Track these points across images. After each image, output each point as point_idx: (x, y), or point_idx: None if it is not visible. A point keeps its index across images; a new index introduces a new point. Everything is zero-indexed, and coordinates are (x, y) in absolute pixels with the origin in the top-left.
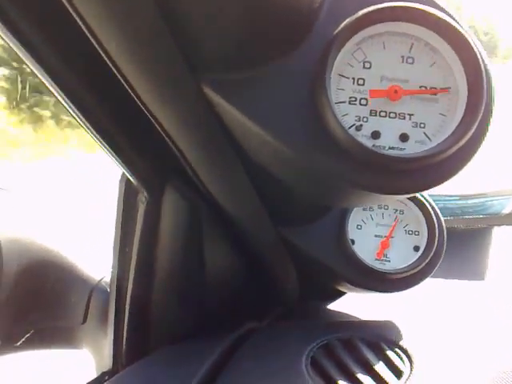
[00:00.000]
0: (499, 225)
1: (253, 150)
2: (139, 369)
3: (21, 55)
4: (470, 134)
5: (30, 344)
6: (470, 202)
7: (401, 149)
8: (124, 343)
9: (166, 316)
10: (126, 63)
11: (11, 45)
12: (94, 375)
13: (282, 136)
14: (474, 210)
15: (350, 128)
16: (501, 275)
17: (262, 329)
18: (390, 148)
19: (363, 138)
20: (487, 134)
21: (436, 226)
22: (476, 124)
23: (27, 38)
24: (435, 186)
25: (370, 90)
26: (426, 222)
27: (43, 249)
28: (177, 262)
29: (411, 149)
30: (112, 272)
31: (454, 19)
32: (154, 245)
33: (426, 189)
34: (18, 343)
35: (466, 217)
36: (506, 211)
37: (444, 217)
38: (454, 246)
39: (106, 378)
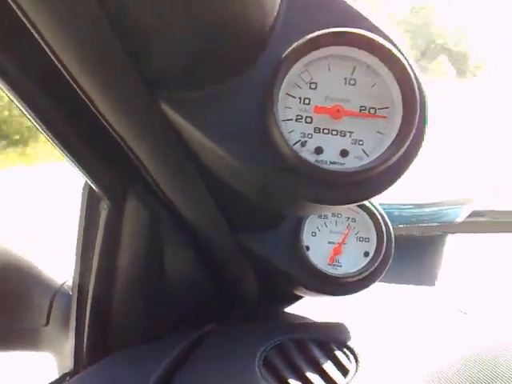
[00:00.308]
0: (453, 232)
1: (209, 163)
2: (99, 368)
3: None
4: (402, 150)
5: None
6: (424, 210)
7: (341, 163)
8: (85, 345)
9: (126, 319)
10: (82, 77)
11: None
12: (55, 376)
13: (233, 152)
14: (429, 218)
15: (295, 144)
16: (451, 281)
17: (219, 330)
18: (331, 163)
19: (307, 153)
20: (420, 149)
21: (384, 233)
22: (408, 141)
23: None
24: (372, 196)
25: (315, 106)
26: (376, 230)
27: (6, 252)
28: (137, 268)
29: (350, 164)
30: (74, 276)
31: (393, 44)
32: (116, 251)
33: (365, 199)
34: None
35: (421, 225)
36: (459, 219)
37: (400, 224)
38: (410, 252)
39: (68, 378)
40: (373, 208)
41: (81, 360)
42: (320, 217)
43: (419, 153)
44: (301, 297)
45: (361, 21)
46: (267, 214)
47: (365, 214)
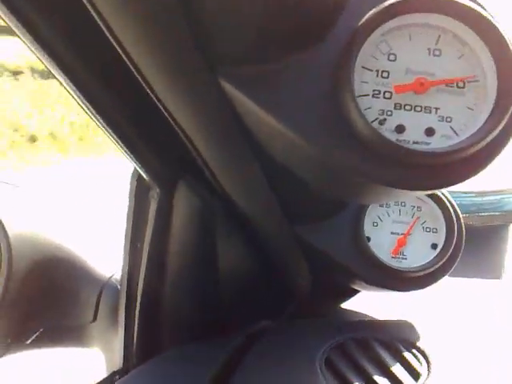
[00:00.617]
0: None
1: (270, 145)
2: (150, 368)
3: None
4: (498, 128)
5: (40, 342)
6: (485, 198)
7: (426, 143)
8: (135, 342)
9: (177, 314)
10: (140, 55)
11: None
12: (104, 374)
13: (302, 130)
14: (490, 207)
15: (373, 122)
16: None
17: (276, 327)
18: (414, 142)
19: (387, 131)
20: None
21: (455, 223)
22: (506, 119)
23: (42, 33)
24: (460, 182)
25: (395, 85)
26: (445, 219)
27: (53, 245)
28: (189, 259)
29: (437, 143)
30: (123, 269)
31: (482, 8)
32: (166, 241)
33: (452, 185)
34: (28, 341)
35: (482, 214)
36: None
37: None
38: (470, 244)
39: (117, 377)
40: (441, 195)
41: (130, 357)
42: (382, 205)
43: None
44: (357, 292)
45: None
46: (326, 203)
47: (432, 202)
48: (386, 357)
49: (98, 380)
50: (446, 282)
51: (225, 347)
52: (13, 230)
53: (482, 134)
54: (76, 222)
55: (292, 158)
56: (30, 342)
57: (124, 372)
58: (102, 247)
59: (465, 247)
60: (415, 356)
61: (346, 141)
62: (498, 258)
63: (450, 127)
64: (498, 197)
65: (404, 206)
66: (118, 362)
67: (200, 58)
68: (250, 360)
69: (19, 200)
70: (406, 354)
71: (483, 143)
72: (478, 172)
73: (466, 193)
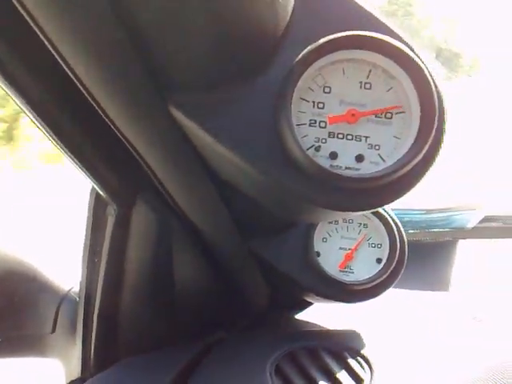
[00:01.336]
0: (464, 238)
1: (220, 168)
2: (107, 376)
3: None
4: (421, 155)
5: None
6: (435, 215)
7: (356, 169)
8: (92, 352)
9: (134, 326)
10: (92, 82)
11: None
12: (62, 383)
13: (246, 157)
14: (440, 224)
15: (309, 149)
16: (463, 287)
17: (230, 338)
18: (346, 168)
19: (321, 158)
20: (438, 155)
21: (397, 239)
22: (427, 146)
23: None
24: (388, 203)
25: (329, 116)
26: (388, 236)
27: (11, 258)
28: (146, 273)
29: (366, 169)
30: (81, 282)
31: (409, 46)
32: (123, 256)
33: (380, 206)
34: None
35: (432, 230)
36: (470, 225)
37: (410, 230)
38: (421, 258)
39: None
40: (385, 213)
41: (88, 367)
42: (331, 222)
43: (437, 158)
44: (311, 303)
45: (375, 23)
46: (278, 220)
47: (377, 219)
48: (332, 364)
49: None
50: (396, 293)
51: (179, 358)
52: None
53: (406, 160)
54: (34, 233)
55: (240, 180)
56: None
57: (81, 381)
58: (62, 260)
59: (415, 261)
60: (359, 363)
61: (286, 167)
62: (446, 272)
63: (378, 154)
64: (447, 214)
65: (351, 222)
66: (76, 371)
67: (150, 86)
68: (204, 368)
69: None
70: (351, 362)
71: (407, 168)
72: (404, 194)
73: (415, 210)
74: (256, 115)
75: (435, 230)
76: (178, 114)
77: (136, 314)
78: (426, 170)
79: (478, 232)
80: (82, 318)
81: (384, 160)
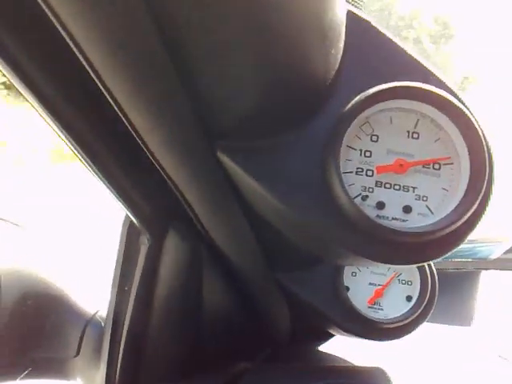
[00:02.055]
0: (486, 269)
1: (260, 210)
2: None
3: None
4: (472, 210)
5: (27, 376)
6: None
7: (403, 220)
8: (117, 378)
9: (160, 354)
10: (140, 126)
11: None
12: None
13: (292, 204)
14: (464, 254)
15: (355, 197)
16: (487, 321)
17: (254, 370)
18: (393, 219)
19: (368, 207)
20: (487, 209)
21: (429, 276)
22: (478, 200)
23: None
24: (434, 259)
25: (377, 165)
26: (419, 273)
27: (41, 281)
28: (175, 303)
29: (414, 221)
30: (109, 308)
31: (458, 98)
32: (154, 285)
33: (425, 261)
34: (18, 379)
35: (455, 259)
36: (493, 256)
37: None
38: (443, 289)
39: None
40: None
41: None
42: None
43: (487, 212)
44: (334, 334)
45: (425, 73)
46: (310, 258)
47: None
48: None
49: None
50: (421, 327)
51: None
52: (3, 267)
53: (456, 215)
54: (63, 255)
55: (281, 224)
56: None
57: None
58: (88, 283)
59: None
60: None
61: (331, 215)
62: (469, 305)
63: (426, 206)
64: (471, 245)
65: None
66: None
67: (200, 132)
68: None
69: (21, 241)
70: None
71: (458, 224)
72: (452, 250)
73: None
74: (304, 163)
75: (458, 260)
76: (226, 159)
77: (163, 341)
78: (475, 225)
79: (501, 263)
80: (109, 343)
81: (432, 212)
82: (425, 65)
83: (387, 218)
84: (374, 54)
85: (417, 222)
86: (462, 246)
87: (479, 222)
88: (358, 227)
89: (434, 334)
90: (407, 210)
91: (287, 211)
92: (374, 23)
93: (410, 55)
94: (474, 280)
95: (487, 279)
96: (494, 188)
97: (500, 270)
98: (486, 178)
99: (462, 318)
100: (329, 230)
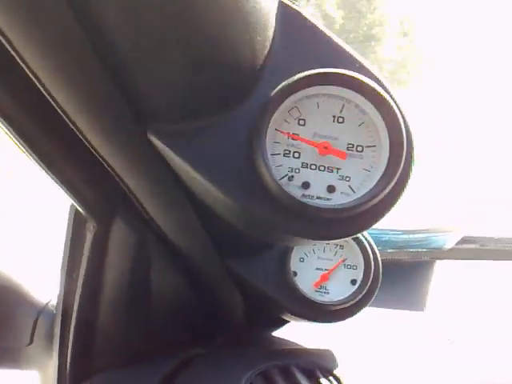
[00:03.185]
0: (442, 258)
1: (196, 191)
2: None
3: None
4: (389, 188)
5: None
6: (413, 236)
7: (327, 199)
8: (68, 364)
9: (111, 339)
10: (71, 110)
11: None
12: None
13: (221, 185)
14: (418, 244)
15: (282, 178)
16: (439, 307)
17: (204, 355)
18: (317, 198)
19: (294, 187)
20: (406, 187)
21: (372, 261)
22: (395, 179)
23: None
24: (358, 233)
25: (304, 138)
26: (363, 257)
27: None
28: (123, 289)
29: (337, 199)
30: (58, 296)
31: (380, 84)
32: (101, 272)
33: (350, 235)
34: None
35: (410, 250)
36: (448, 246)
37: (389, 249)
38: (398, 278)
39: None
40: (360, 235)
41: (64, 380)
42: None
43: (405, 190)
44: (287, 321)
45: (350, 60)
46: (255, 242)
47: (352, 241)
48: (304, 383)
49: None
50: (372, 311)
51: (157, 372)
52: None
53: (375, 192)
54: (13, 244)
55: (216, 206)
56: None
57: None
58: (41, 272)
59: (392, 280)
60: (330, 382)
61: (259, 196)
62: (423, 292)
63: (349, 186)
64: (425, 235)
65: (328, 243)
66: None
67: (130, 114)
68: None
69: None
70: (323, 381)
71: (376, 200)
72: (372, 224)
73: (394, 231)
74: (232, 144)
75: (413, 250)
76: (157, 142)
77: (113, 327)
78: (395, 202)
79: (456, 253)
80: (59, 330)
81: (354, 191)
82: (351, 53)
83: (312, 197)
84: (303, 41)
85: (340, 200)
86: (416, 236)
87: (397, 200)
88: (284, 206)
89: (387, 318)
90: (331, 189)
91: (218, 194)
92: (304, 13)
93: (337, 44)
94: (429, 269)
95: (441, 268)
96: (414, 169)
97: (454, 259)
98: (403, 159)
99: (415, 303)
100: (257, 210)
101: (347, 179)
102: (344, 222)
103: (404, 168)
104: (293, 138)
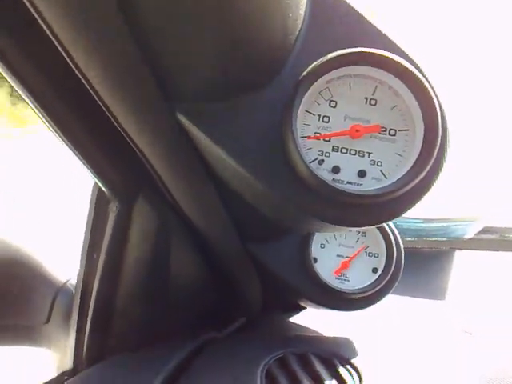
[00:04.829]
0: (461, 248)
1: (223, 174)
2: (99, 371)
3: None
4: (423, 174)
5: None
6: (433, 225)
7: (358, 184)
8: (85, 345)
9: (128, 320)
10: (104, 89)
11: None
12: (54, 374)
13: (249, 166)
14: (438, 233)
15: (312, 162)
16: (457, 298)
17: (220, 340)
18: (348, 182)
19: (324, 171)
20: (440, 174)
21: (394, 250)
22: (430, 165)
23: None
24: (388, 220)
25: (334, 132)
26: (386, 246)
27: (11, 247)
28: (143, 270)
29: (368, 185)
30: (78, 275)
31: (416, 65)
32: (122, 252)
33: (380, 223)
34: None
35: (430, 239)
36: (467, 236)
37: (409, 237)
38: (417, 266)
39: (66, 377)
40: (384, 223)
41: (80, 359)
42: None
43: (439, 177)
44: (304, 307)
45: (385, 40)
46: (278, 227)
47: (375, 228)
48: (322, 371)
49: (47, 379)
50: (391, 299)
51: (169, 358)
52: None
53: (407, 178)
54: (36, 222)
55: (241, 187)
56: None
57: (73, 373)
58: (61, 251)
59: (411, 269)
60: (348, 371)
61: (288, 179)
62: (442, 281)
63: (381, 171)
64: (446, 224)
65: (350, 230)
66: (68, 363)
67: (160, 95)
68: (195, 369)
69: None
70: (341, 370)
71: (409, 187)
72: (404, 212)
73: (414, 219)
74: (262, 126)
75: (433, 238)
76: (185, 121)
77: (131, 308)
78: (428, 189)
79: (476, 243)
80: (78, 310)
81: (386, 177)
82: (385, 33)
83: (342, 181)
84: (335, 21)
85: (371, 185)
86: (437, 225)
87: (430, 187)
88: (314, 190)
89: (407, 306)
90: (362, 174)
91: (244, 174)
92: None
93: (371, 23)
94: (449, 259)
95: (461, 259)
96: (447, 155)
97: (474, 250)
98: (438, 144)
99: (435, 292)
100: (286, 193)
101: (379, 164)
102: (374, 209)
103: (438, 154)
104: (323, 121)
